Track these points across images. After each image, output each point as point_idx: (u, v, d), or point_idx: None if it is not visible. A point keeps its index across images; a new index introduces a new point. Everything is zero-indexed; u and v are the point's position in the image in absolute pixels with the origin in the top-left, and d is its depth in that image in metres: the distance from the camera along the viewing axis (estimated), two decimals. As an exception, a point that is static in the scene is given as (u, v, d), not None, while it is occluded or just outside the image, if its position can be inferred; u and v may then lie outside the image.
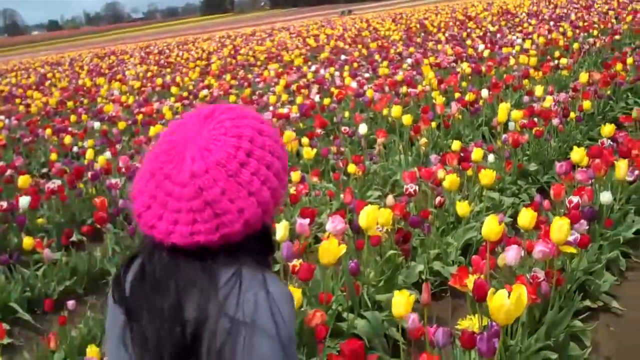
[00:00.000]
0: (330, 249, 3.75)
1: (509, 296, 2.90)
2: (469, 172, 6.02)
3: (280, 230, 4.26)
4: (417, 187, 5.34)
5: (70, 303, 4.54)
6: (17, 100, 15.39)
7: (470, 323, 3.61)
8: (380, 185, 6.93)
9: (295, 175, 6.26)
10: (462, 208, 5.14)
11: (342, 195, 6.20)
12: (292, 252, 3.93)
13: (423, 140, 7.57)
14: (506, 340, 3.68)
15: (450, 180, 5.41)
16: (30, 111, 13.62)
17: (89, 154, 8.17)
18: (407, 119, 7.84)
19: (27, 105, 14.46)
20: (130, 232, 5.78)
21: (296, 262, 4.02)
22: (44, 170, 9.10)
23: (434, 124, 8.12)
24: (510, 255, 3.70)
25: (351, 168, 6.56)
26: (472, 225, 5.35)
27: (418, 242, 5.15)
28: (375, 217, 4.25)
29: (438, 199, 5.31)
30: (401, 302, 3.23)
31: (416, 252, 5.08)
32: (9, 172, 7.93)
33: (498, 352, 3.11)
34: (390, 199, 5.02)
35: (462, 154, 6.22)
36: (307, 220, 4.35)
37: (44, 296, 5.24)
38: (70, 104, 13.96)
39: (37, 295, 5.31)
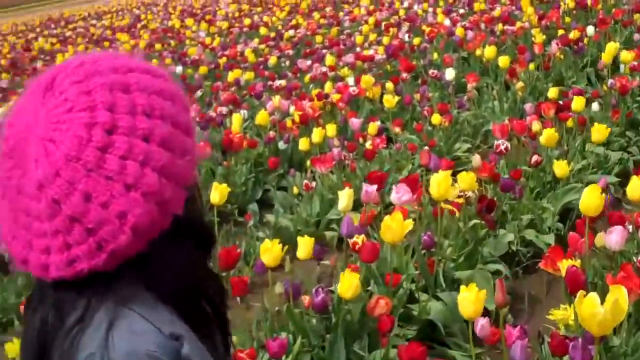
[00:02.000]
0: (394, 226, 3.21)
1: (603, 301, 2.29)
2: (569, 123, 5.30)
3: (344, 198, 3.74)
4: (508, 144, 4.67)
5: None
6: (106, 44, 15.24)
7: (565, 314, 3.03)
8: (470, 137, 6.27)
9: (372, 127, 5.68)
10: (561, 168, 4.46)
11: (425, 148, 5.62)
12: (352, 227, 3.40)
13: (519, 84, 6.83)
14: (609, 338, 3.06)
15: (547, 135, 4.71)
16: (116, 57, 13.42)
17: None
18: (503, 61, 7.09)
19: (115, 48, 14.28)
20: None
21: (357, 239, 3.49)
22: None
23: (532, 66, 7.32)
24: (613, 239, 3.05)
25: (435, 118, 5.92)
26: (573, 186, 4.68)
27: (508, 207, 4.52)
28: (447, 186, 3.64)
29: (535, 157, 4.63)
30: (469, 300, 2.66)
31: (505, 219, 4.45)
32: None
33: (597, 354, 2.52)
34: (477, 159, 4.38)
35: (560, 102, 5.49)
36: (374, 187, 3.79)
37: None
38: (158, 46, 13.68)
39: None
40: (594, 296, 2.32)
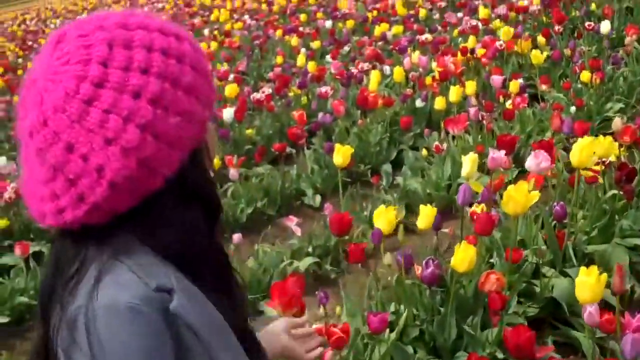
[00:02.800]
0: (517, 197, 2.98)
1: None
2: None
3: (467, 164, 3.54)
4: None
5: (236, 237, 4.17)
6: (263, -1, 15.38)
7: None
8: (624, 95, 5.79)
9: (514, 85, 5.36)
10: None
11: (572, 108, 5.26)
12: (469, 196, 3.20)
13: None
14: None
15: None
16: (272, 10, 13.52)
17: (300, 60, 7.76)
18: (667, 12, 6.48)
19: (270, 3, 14.39)
20: (327, 150, 5.28)
21: (476, 208, 3.29)
22: (270, 74, 8.87)
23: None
24: None
25: (584, 75, 5.51)
26: None
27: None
28: (590, 153, 3.35)
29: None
30: (587, 285, 2.41)
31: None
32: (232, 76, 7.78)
33: None
34: (617, 123, 4.02)
35: None
36: (502, 153, 3.55)
37: (231, 219, 4.96)
38: (311, 0, 13.65)
39: (225, 218, 5.04)
40: None
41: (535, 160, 3.41)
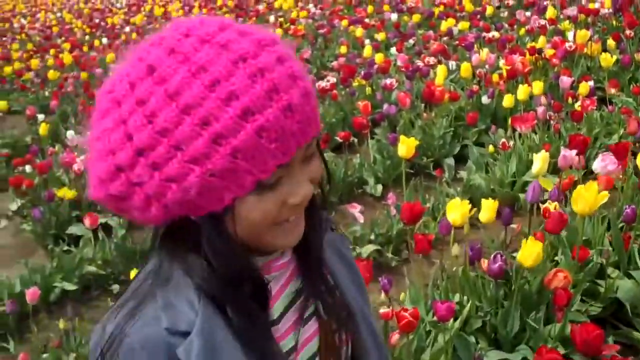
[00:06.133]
0: (587, 197, 3.00)
1: None
2: None
3: (538, 162, 3.57)
4: None
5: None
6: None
7: None
8: (697, 102, 5.72)
9: (583, 87, 5.34)
10: None
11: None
12: (538, 193, 3.23)
13: None
14: None
15: None
16: (337, 0, 13.58)
17: (367, 50, 7.79)
18: None
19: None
20: (392, 140, 5.32)
21: (549, 205, 3.31)
22: (334, 63, 8.93)
23: None
24: None
25: (656, 81, 5.47)
26: None
27: None
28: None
29: None
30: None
31: None
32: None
33: None
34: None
35: None
36: (573, 152, 3.56)
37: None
38: (378, -8, 13.67)
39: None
40: None
41: (602, 163, 3.44)
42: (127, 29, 14.27)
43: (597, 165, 3.45)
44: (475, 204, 4.57)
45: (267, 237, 0.96)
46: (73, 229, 5.20)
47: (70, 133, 6.52)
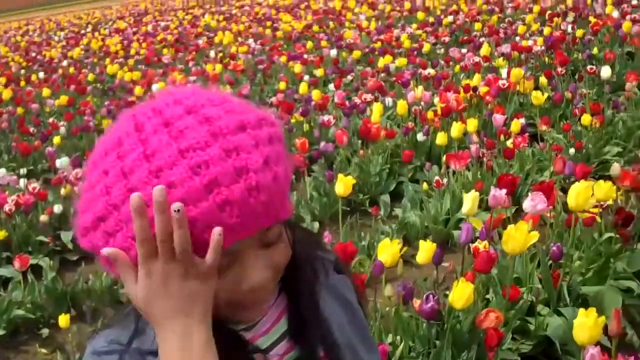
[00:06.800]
0: (517, 237, 3.06)
1: None
2: None
3: (468, 202, 3.61)
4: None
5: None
6: (268, 23, 15.53)
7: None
8: (622, 139, 5.88)
9: (515, 125, 5.45)
10: None
11: (571, 150, 5.35)
12: (471, 235, 3.27)
13: (685, 85, 6.34)
14: None
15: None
16: (276, 35, 13.67)
17: (303, 87, 7.84)
18: (666, 60, 6.60)
19: (274, 29, 14.54)
20: (328, 178, 5.35)
21: (479, 244, 3.35)
22: (272, 99, 8.95)
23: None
24: None
25: (585, 118, 5.60)
26: None
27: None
28: (587, 197, 3.42)
29: (684, 167, 4.29)
30: (585, 326, 2.48)
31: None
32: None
33: None
34: (616, 168, 4.10)
35: None
36: (503, 192, 3.62)
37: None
38: (315, 28, 13.80)
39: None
40: None
41: (532, 203, 3.49)
42: (65, 62, 14.12)
43: (526, 205, 3.51)
44: (410, 241, 4.67)
45: (226, 312, 0.96)
46: (2, 271, 5.06)
47: (1, 171, 6.38)
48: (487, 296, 3.57)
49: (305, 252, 1.04)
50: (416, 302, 3.19)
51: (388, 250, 3.20)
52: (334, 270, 1.19)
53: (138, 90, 9.37)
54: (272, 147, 0.92)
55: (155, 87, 9.53)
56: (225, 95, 0.96)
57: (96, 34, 18.55)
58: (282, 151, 0.94)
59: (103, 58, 14.06)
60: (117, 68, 12.06)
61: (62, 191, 5.90)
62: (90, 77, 11.58)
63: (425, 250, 3.35)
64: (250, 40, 13.35)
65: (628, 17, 9.36)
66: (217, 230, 0.85)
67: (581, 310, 2.55)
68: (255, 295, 0.96)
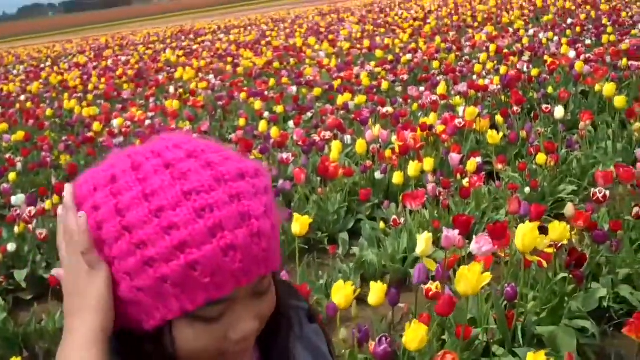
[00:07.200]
0: (470, 277, 3.07)
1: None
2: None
3: (422, 243, 3.62)
4: (607, 192, 4.40)
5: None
6: (229, 59, 15.58)
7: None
8: (577, 178, 5.97)
9: (471, 164, 5.51)
10: (664, 221, 4.19)
11: (526, 189, 5.42)
12: (424, 276, 3.28)
13: (637, 125, 6.46)
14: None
15: (654, 184, 4.42)
16: (236, 71, 13.71)
17: (262, 125, 7.86)
18: (619, 101, 6.74)
19: (235, 65, 14.58)
20: (286, 217, 5.32)
21: (431, 286, 3.36)
22: (232, 136, 8.93)
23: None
24: None
25: (540, 158, 5.69)
26: (679, 241, 4.37)
27: (604, 259, 4.27)
28: (533, 239, 3.45)
29: (636, 209, 4.36)
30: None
31: (600, 272, 4.21)
32: (195, 136, 7.84)
33: None
34: (570, 209, 4.16)
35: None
36: (455, 232, 3.65)
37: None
38: (276, 64, 13.87)
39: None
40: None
41: (477, 245, 3.54)
42: (23, 97, 13.98)
43: (472, 247, 3.55)
44: (368, 280, 4.65)
45: None
46: None
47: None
48: (443, 337, 3.58)
49: (282, 303, 1.03)
50: (372, 345, 3.18)
51: (342, 292, 3.19)
52: (307, 319, 1.18)
53: (96, 125, 9.29)
54: (268, 197, 0.94)
55: (114, 122, 9.48)
56: (218, 144, 0.98)
57: (56, 68, 18.42)
58: (274, 202, 0.95)
59: (62, 92, 13.95)
60: (76, 103, 11.97)
61: (16, 229, 5.80)
62: (49, 112, 11.46)
63: (377, 291, 3.34)
64: (211, 76, 13.37)
65: (582, 56, 9.58)
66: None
67: (530, 354, 2.56)
68: (240, 347, 0.95)
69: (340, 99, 8.90)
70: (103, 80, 14.65)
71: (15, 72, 19.26)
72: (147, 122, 9.65)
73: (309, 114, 9.04)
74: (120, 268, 0.89)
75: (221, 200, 0.87)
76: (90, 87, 14.08)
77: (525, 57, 10.53)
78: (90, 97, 12.77)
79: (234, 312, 0.92)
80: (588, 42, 11.38)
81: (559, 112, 6.77)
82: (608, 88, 7.09)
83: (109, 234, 0.89)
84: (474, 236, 3.80)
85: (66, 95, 13.34)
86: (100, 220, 0.90)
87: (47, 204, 6.05)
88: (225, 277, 0.87)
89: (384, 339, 2.99)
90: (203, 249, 0.85)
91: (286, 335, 1.09)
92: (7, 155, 8.59)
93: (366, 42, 14.94)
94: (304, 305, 1.18)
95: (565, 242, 3.95)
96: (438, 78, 9.83)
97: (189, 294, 0.87)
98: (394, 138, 6.66)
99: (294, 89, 10.59)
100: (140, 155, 0.93)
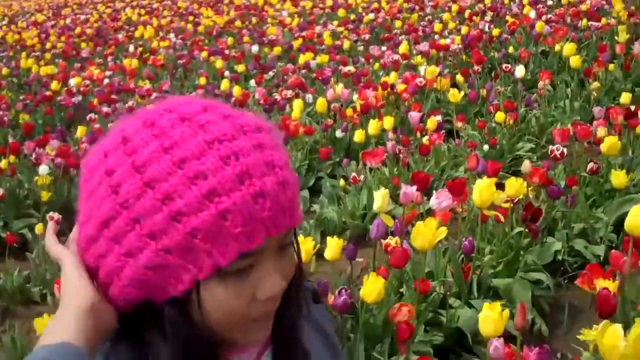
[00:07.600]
0: (426, 233, 3.12)
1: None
2: (639, 131, 5.06)
3: (378, 199, 3.65)
4: (564, 149, 4.47)
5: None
6: (190, 18, 15.37)
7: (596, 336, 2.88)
8: (535, 136, 6.05)
9: (431, 122, 5.54)
10: (618, 177, 4.27)
11: (485, 146, 5.48)
12: (382, 231, 3.32)
13: (595, 84, 6.55)
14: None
15: (609, 143, 4.49)
16: (197, 30, 13.54)
17: (224, 84, 7.81)
18: (575, 60, 6.81)
19: (196, 23, 14.40)
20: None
21: (390, 241, 3.40)
22: (193, 95, 8.86)
23: (611, 66, 7.01)
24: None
25: (499, 116, 5.74)
26: (632, 197, 4.46)
27: (559, 214, 4.35)
28: (490, 194, 3.50)
29: (590, 165, 4.44)
30: (490, 319, 2.54)
31: (556, 227, 4.30)
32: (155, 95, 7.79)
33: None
34: (526, 165, 4.22)
35: (632, 108, 5.23)
36: (413, 188, 3.68)
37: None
38: (238, 23, 13.73)
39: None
40: (617, 328, 2.21)
41: (437, 200, 3.59)
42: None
43: (432, 202, 3.59)
44: (328, 236, 4.67)
45: (234, 332, 0.91)
46: None
47: None
48: (401, 290, 3.63)
49: (295, 283, 0.98)
50: (331, 298, 3.22)
51: (302, 247, 3.20)
52: (312, 299, 1.15)
53: (54, 84, 9.14)
54: (285, 151, 0.91)
55: (72, 81, 9.34)
56: (220, 104, 0.93)
57: (13, 26, 18.00)
58: (285, 156, 0.92)
59: (19, 51, 13.66)
60: (33, 62, 11.74)
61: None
62: (5, 71, 11.23)
63: (333, 246, 3.36)
64: (171, 35, 13.18)
65: (543, 17, 9.64)
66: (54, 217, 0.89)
67: (486, 304, 2.61)
68: (266, 307, 0.91)
69: (302, 58, 8.86)
70: (62, 39, 14.37)
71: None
72: (106, 80, 9.53)
73: (271, 73, 9.00)
74: (143, 230, 0.83)
75: (245, 147, 0.84)
76: (48, 45, 13.79)
77: (488, 17, 10.56)
78: (48, 55, 12.51)
79: (261, 266, 0.88)
80: (550, 2, 11.44)
81: (519, 71, 6.82)
82: (568, 48, 7.15)
83: (129, 194, 0.83)
84: (434, 192, 3.85)
85: (24, 54, 13.06)
86: (115, 184, 0.84)
87: (3, 164, 5.95)
88: (256, 226, 0.83)
89: (343, 291, 3.02)
90: (232, 196, 0.81)
91: (296, 316, 1.04)
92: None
93: (329, 1, 14.81)
94: (308, 285, 1.13)
95: (521, 197, 4.02)
96: (400, 38, 9.82)
97: (220, 248, 0.82)
98: (355, 97, 6.66)
99: (255, 48, 10.51)
100: (152, 114, 0.88)
